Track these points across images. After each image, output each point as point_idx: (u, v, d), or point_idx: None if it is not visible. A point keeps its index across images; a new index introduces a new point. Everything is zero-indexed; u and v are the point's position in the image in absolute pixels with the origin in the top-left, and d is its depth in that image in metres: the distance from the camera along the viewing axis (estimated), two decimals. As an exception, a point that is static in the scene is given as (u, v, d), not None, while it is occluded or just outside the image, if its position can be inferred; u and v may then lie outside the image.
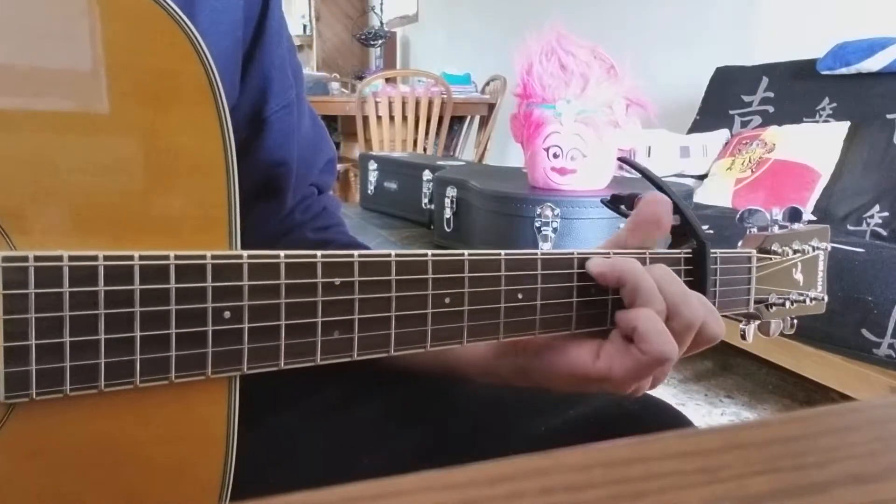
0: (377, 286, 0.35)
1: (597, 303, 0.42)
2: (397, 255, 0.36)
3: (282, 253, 0.33)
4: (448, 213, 1.57)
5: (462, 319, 0.38)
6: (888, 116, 1.93)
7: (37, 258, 0.28)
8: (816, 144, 2.01)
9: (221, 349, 0.32)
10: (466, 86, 3.63)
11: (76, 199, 0.31)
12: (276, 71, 0.52)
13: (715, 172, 2.22)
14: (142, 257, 0.30)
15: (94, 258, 0.29)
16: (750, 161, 2.10)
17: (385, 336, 0.36)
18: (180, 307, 0.31)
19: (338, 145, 3.70)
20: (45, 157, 0.30)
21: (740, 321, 0.53)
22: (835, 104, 2.09)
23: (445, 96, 3.08)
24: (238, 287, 0.32)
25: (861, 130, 1.98)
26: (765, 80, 2.33)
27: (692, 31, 2.86)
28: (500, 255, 0.39)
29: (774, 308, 0.52)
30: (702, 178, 2.29)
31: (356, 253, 0.34)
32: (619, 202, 0.47)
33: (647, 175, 0.46)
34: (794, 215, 0.54)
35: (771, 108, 2.28)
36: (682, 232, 0.46)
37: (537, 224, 1.29)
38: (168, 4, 0.32)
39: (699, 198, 2.07)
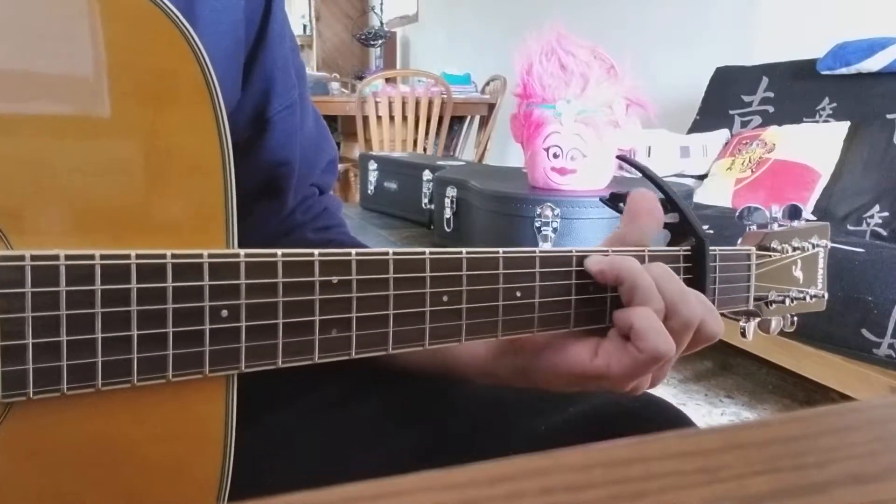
0: (375, 284, 0.35)
1: (595, 301, 0.42)
2: (395, 254, 0.36)
3: (279, 251, 0.33)
4: (448, 213, 1.57)
5: (460, 317, 0.38)
6: (888, 116, 1.93)
7: (33, 257, 0.28)
8: (816, 144, 2.01)
9: (219, 348, 0.32)
10: (466, 86, 3.63)
11: (74, 199, 0.31)
12: (278, 71, 0.52)
13: (715, 172, 2.22)
14: (138, 256, 0.30)
15: (91, 257, 0.29)
16: (750, 161, 2.10)
17: (383, 334, 0.36)
18: (177, 306, 0.31)
19: (338, 145, 3.70)
20: (43, 157, 0.30)
21: (739, 320, 0.53)
22: (835, 104, 2.09)
23: (445, 96, 3.08)
24: (235, 286, 0.32)
25: (861, 130, 1.98)
26: (765, 80, 2.33)
27: (692, 31, 2.86)
28: (498, 252, 0.39)
29: (774, 305, 0.52)
30: (702, 178, 2.29)
31: (354, 251, 0.34)
32: (618, 200, 0.47)
33: (645, 172, 0.46)
34: (794, 213, 0.54)
35: (771, 108, 2.28)
36: (681, 230, 0.46)
37: (537, 224, 1.29)
38: (165, 4, 0.32)
39: (699, 198, 2.07)
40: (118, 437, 0.32)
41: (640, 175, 0.47)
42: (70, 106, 0.31)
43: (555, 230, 1.28)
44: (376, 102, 2.95)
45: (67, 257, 0.28)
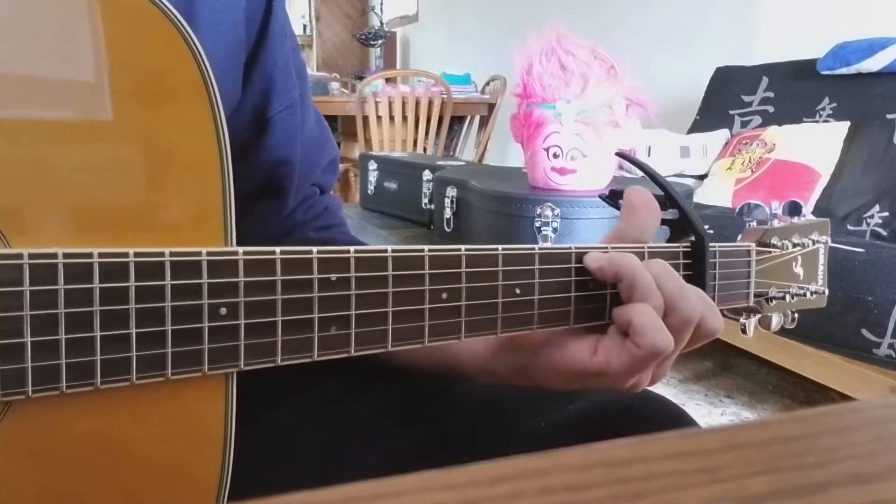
0: (374, 282, 0.35)
1: (595, 297, 0.42)
2: (394, 251, 0.35)
3: (277, 249, 0.33)
4: (448, 213, 1.57)
5: (459, 314, 0.38)
6: (888, 116, 1.93)
7: (31, 256, 0.28)
8: (816, 144, 2.01)
9: (217, 345, 0.32)
10: (466, 86, 3.63)
11: (73, 198, 0.31)
12: (279, 72, 0.52)
13: (715, 172, 2.22)
14: (136, 254, 0.30)
15: (89, 255, 0.29)
16: (750, 161, 2.10)
17: (382, 332, 0.36)
18: (176, 304, 0.30)
19: (338, 145, 3.69)
20: (42, 156, 0.30)
21: (738, 320, 0.53)
22: (835, 104, 2.09)
23: (445, 96, 3.08)
24: (234, 283, 0.32)
25: (861, 130, 1.98)
26: (765, 80, 2.33)
27: (692, 31, 2.86)
28: (497, 249, 0.39)
29: (775, 302, 0.52)
30: (702, 178, 2.29)
31: (352, 249, 0.34)
32: (617, 197, 0.47)
33: (644, 169, 0.46)
34: (794, 209, 0.54)
35: (771, 108, 2.28)
36: (681, 226, 0.46)
37: (537, 224, 1.29)
38: (163, 4, 0.32)
39: (699, 198, 2.07)
40: (117, 435, 0.32)
41: (641, 175, 0.47)
42: (69, 106, 0.31)
43: (555, 230, 1.28)
44: (376, 102, 2.95)
45: (65, 255, 0.28)
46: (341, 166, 3.15)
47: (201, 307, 0.31)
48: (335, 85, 3.64)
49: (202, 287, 0.31)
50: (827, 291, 0.56)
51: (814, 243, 0.55)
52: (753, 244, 0.50)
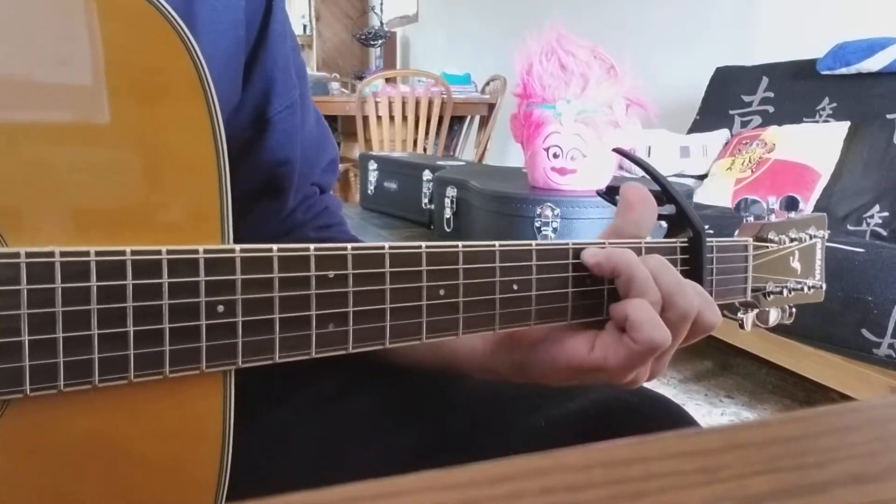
0: (371, 278, 0.35)
1: (592, 293, 0.42)
2: (391, 248, 0.35)
3: (274, 246, 0.33)
4: (448, 213, 1.56)
5: (457, 311, 0.38)
6: (888, 116, 1.93)
7: (28, 254, 0.28)
8: (816, 144, 2.01)
9: (215, 343, 0.32)
10: (466, 86, 3.63)
11: (70, 197, 0.30)
12: (279, 71, 0.52)
13: (715, 172, 2.22)
14: (134, 252, 0.30)
15: (86, 254, 0.29)
16: (750, 161, 2.10)
17: (380, 328, 0.36)
18: (173, 301, 0.30)
19: (338, 145, 3.69)
20: (40, 155, 0.30)
21: (737, 319, 0.53)
22: (835, 104, 2.09)
23: (445, 96, 3.08)
24: (231, 281, 0.32)
25: (861, 130, 1.98)
26: (765, 80, 2.33)
27: (692, 31, 2.86)
28: (494, 246, 0.39)
29: (772, 297, 0.52)
30: (702, 178, 2.29)
31: (349, 245, 0.34)
32: (614, 193, 0.47)
33: (641, 164, 0.46)
34: (791, 204, 0.54)
35: (771, 108, 2.28)
36: (678, 222, 0.46)
37: (537, 224, 1.29)
38: (160, 3, 0.32)
39: (699, 198, 2.07)
40: (116, 434, 0.32)
41: (641, 174, 0.47)
42: (66, 105, 0.31)
43: (555, 230, 1.28)
44: (376, 102, 2.95)
45: (62, 254, 0.28)
46: (341, 166, 3.15)
47: (199, 305, 0.31)
48: (335, 85, 3.64)
49: (199, 285, 0.31)
50: (824, 286, 0.56)
51: (811, 238, 0.55)
52: (751, 239, 0.50)
